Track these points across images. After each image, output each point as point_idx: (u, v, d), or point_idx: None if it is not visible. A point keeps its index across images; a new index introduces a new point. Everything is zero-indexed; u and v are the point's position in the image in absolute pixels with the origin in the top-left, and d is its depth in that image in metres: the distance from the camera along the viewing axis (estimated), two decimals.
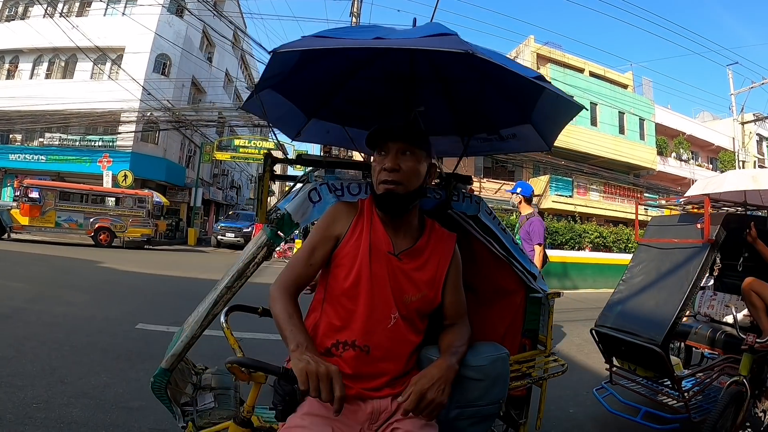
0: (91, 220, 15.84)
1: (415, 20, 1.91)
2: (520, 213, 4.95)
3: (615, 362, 3.35)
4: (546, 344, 2.04)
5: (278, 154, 1.76)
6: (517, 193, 4.79)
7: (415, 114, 1.78)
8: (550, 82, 1.46)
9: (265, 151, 1.75)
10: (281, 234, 1.64)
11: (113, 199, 16.78)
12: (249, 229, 20.12)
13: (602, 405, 3.28)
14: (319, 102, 2.04)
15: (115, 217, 16.13)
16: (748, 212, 3.74)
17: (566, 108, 1.67)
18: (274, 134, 2.14)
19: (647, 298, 3.26)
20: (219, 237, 20.25)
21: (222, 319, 1.57)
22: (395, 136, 1.37)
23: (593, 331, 3.36)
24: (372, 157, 1.45)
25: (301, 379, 1.06)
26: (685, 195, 3.68)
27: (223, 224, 21.25)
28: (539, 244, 4.58)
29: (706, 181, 3.57)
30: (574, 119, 1.76)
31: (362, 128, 2.19)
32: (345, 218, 1.42)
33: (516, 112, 1.90)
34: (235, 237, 20.07)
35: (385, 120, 2.17)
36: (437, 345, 1.44)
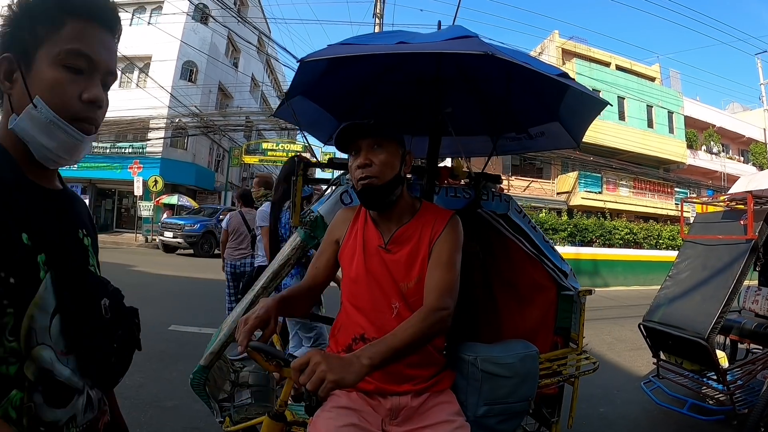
0: None
1: (439, 23, 1.94)
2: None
3: (662, 356, 3.43)
4: (578, 342, 2.04)
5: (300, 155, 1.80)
6: None
7: (443, 115, 1.80)
8: (573, 79, 1.46)
9: (294, 155, 1.80)
10: (315, 236, 1.68)
11: None
12: (195, 227, 14.65)
13: (641, 401, 3.35)
14: (349, 107, 2.09)
15: None
16: None
17: (592, 104, 1.68)
18: (305, 138, 2.18)
19: (693, 293, 3.32)
20: (158, 237, 14.57)
21: None
22: (363, 133, 1.36)
23: (641, 326, 3.44)
24: (349, 159, 1.43)
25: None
26: (729, 192, 3.74)
27: (166, 220, 15.60)
28: None
29: (749, 178, 3.64)
30: (601, 113, 1.75)
31: None
32: (344, 223, 1.49)
33: (543, 110, 1.91)
34: (173, 237, 14.57)
35: (406, 121, 2.21)
36: (471, 342, 1.46)
